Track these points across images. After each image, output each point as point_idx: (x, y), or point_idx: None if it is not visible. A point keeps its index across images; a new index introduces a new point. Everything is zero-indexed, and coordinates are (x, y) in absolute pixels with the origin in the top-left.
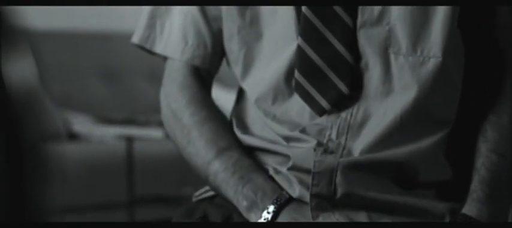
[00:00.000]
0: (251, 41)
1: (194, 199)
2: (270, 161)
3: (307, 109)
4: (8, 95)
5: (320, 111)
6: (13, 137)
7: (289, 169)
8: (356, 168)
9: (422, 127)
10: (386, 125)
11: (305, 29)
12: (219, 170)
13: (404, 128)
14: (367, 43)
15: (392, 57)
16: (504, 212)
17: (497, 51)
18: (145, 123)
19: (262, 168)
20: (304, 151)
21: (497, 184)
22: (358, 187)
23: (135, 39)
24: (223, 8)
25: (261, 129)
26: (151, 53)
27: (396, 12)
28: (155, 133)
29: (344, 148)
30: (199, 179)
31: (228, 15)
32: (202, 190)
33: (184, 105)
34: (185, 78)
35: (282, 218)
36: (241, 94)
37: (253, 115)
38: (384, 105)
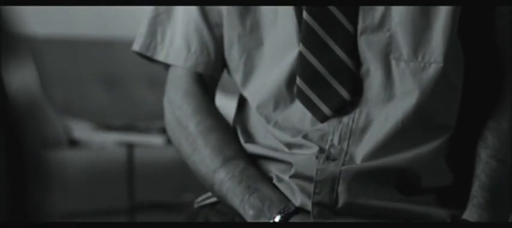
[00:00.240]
0: (252, 48)
1: (196, 205)
2: (273, 169)
3: (308, 115)
4: (10, 102)
5: (322, 118)
6: (14, 143)
7: (291, 177)
8: (358, 176)
9: (424, 132)
10: (388, 131)
11: (306, 36)
12: (225, 179)
13: (405, 133)
14: (368, 49)
15: (393, 63)
16: (504, 217)
17: (497, 57)
18: (146, 130)
19: (268, 178)
20: (306, 158)
21: (498, 190)
22: (360, 195)
23: (136, 47)
24: (224, 14)
25: (263, 136)
26: (152, 60)
27: (397, 18)
28: (155, 140)
29: (346, 154)
30: (200, 186)
31: (229, 22)
32: (204, 196)
33: (190, 113)
34: (189, 86)
35: None
36: (242, 102)
37: (255, 123)
38: (385, 111)
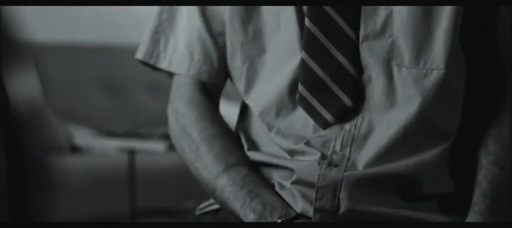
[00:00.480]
0: (254, 56)
1: (198, 212)
2: (275, 176)
3: (310, 122)
4: (12, 108)
5: (324, 124)
6: (16, 149)
7: (293, 183)
8: (360, 182)
9: (426, 139)
10: (390, 137)
11: (308, 43)
12: (227, 184)
13: (407, 139)
14: (370, 56)
15: (395, 69)
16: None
17: (499, 64)
18: (147, 136)
19: (270, 185)
20: (308, 164)
21: (499, 197)
22: (361, 201)
23: (139, 55)
24: (227, 22)
25: (265, 144)
26: (154, 68)
27: (399, 24)
28: (157, 146)
29: (348, 160)
30: (201, 192)
31: (231, 30)
32: (206, 203)
33: (193, 121)
34: (193, 94)
35: None
36: (245, 110)
37: (258, 130)
38: (387, 117)
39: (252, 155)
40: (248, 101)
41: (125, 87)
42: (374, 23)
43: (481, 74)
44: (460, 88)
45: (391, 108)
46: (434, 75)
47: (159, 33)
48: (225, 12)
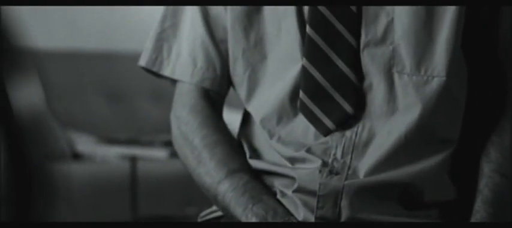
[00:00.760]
0: (256, 63)
1: (199, 219)
2: (276, 183)
3: (311, 129)
4: (15, 117)
5: (325, 131)
6: (19, 157)
7: (294, 191)
8: (361, 190)
9: (427, 146)
10: (391, 144)
11: (309, 50)
12: (229, 190)
13: (408, 147)
14: (371, 63)
15: (396, 76)
16: None
17: (500, 71)
18: (149, 143)
19: (272, 192)
20: (309, 172)
21: (500, 204)
22: (362, 210)
23: (142, 62)
24: (229, 29)
25: (267, 152)
26: (158, 76)
27: (400, 31)
28: (159, 153)
29: (349, 168)
30: (203, 199)
31: (233, 37)
32: (208, 211)
33: (196, 128)
34: (196, 101)
35: None
36: (247, 117)
37: (259, 138)
38: (388, 125)
39: (254, 163)
40: (249, 109)
41: (127, 95)
42: (375, 30)
43: (483, 81)
44: (462, 95)
45: (392, 116)
46: (435, 83)
47: (162, 41)
48: (227, 19)
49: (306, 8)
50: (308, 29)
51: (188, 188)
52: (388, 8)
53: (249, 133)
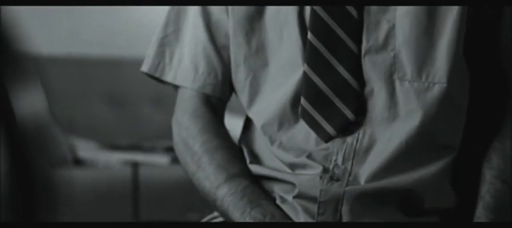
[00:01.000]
0: (257, 69)
1: None
2: (276, 189)
3: (312, 135)
4: (18, 124)
5: (326, 138)
6: (23, 165)
7: (295, 197)
8: (361, 197)
9: (428, 153)
10: (391, 151)
11: (311, 56)
12: (227, 194)
13: (409, 153)
14: (372, 69)
15: (397, 83)
16: None
17: (502, 77)
18: (151, 149)
19: (271, 198)
20: (310, 178)
21: (502, 211)
22: (363, 216)
23: (145, 68)
24: (231, 35)
25: (268, 157)
26: (160, 81)
27: (401, 38)
28: (160, 159)
29: (350, 174)
30: (205, 205)
31: (235, 43)
32: (210, 216)
33: (196, 133)
34: (197, 107)
35: None
36: (248, 123)
37: (260, 144)
38: (389, 131)
39: (254, 168)
40: (251, 114)
41: (129, 100)
42: (376, 37)
43: (485, 87)
44: (463, 101)
45: (393, 122)
46: (437, 89)
47: (165, 46)
48: (229, 25)
49: (307, 15)
50: (309, 35)
51: (190, 194)
52: (390, 14)
53: (250, 139)
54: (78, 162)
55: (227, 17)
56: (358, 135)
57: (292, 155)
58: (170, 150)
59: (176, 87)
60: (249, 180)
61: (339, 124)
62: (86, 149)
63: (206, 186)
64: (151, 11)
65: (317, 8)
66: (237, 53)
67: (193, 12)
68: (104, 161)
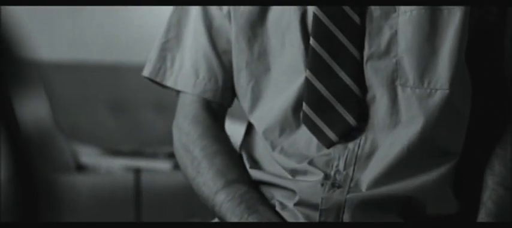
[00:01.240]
0: (259, 75)
1: None
2: (276, 195)
3: (314, 141)
4: (21, 131)
5: (328, 143)
6: (26, 171)
7: (295, 204)
8: (363, 204)
9: (429, 159)
10: (393, 157)
11: (313, 62)
12: (225, 200)
13: (411, 159)
14: (375, 75)
15: (399, 89)
16: None
17: (504, 84)
18: (153, 155)
19: (270, 204)
20: (311, 185)
21: (504, 217)
22: (364, 223)
23: (146, 72)
24: (233, 41)
25: (268, 163)
26: (162, 86)
27: (403, 44)
28: (163, 165)
29: (351, 180)
30: (207, 211)
31: (237, 48)
32: (211, 222)
33: (196, 139)
34: (198, 112)
35: None
36: (250, 129)
37: (261, 149)
38: (390, 137)
39: (254, 174)
40: (252, 120)
41: (131, 106)
42: (379, 43)
43: (487, 94)
44: (465, 108)
45: (395, 128)
46: (438, 95)
47: (166, 51)
48: (230, 31)
49: (309, 21)
50: (312, 41)
51: (192, 200)
52: (392, 21)
53: (251, 144)
54: (80, 168)
55: (229, 23)
56: (360, 141)
57: (294, 160)
58: (172, 156)
59: (178, 92)
60: (248, 186)
61: (340, 130)
62: (88, 155)
63: (205, 192)
64: (154, 16)
65: (319, 14)
66: (239, 58)
67: (194, 17)
68: (106, 167)
